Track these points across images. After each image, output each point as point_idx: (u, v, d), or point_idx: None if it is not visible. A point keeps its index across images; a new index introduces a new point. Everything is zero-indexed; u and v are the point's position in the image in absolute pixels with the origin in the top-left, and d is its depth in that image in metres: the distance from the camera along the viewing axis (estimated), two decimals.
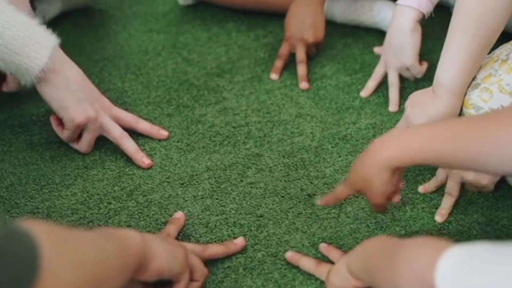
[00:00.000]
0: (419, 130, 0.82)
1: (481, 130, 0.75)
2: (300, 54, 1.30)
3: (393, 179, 0.84)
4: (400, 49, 1.19)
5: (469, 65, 1.04)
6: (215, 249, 0.94)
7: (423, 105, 1.07)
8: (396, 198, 0.90)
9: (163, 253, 0.80)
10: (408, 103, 1.10)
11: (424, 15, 1.17)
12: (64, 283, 0.60)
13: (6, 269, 0.55)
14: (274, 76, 1.30)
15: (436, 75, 1.07)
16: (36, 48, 1.03)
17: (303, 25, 1.30)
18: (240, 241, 0.97)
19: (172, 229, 0.96)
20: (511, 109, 0.78)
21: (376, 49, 1.37)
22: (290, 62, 1.32)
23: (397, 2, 1.18)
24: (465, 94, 1.06)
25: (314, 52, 1.34)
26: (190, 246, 0.91)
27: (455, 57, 1.04)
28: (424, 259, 0.66)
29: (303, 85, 1.28)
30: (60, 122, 1.11)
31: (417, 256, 0.67)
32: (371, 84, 1.27)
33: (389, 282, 0.70)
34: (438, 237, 0.70)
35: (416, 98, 1.10)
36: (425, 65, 1.22)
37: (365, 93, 1.26)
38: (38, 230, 0.60)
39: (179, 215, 1.00)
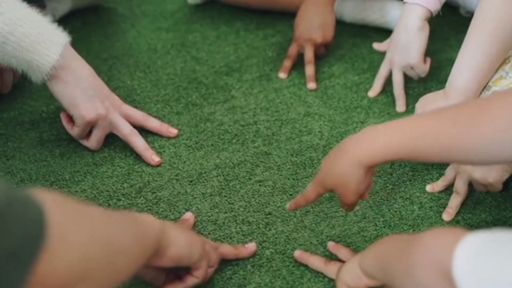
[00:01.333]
0: (398, 127, 0.81)
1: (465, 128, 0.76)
2: (308, 55, 1.31)
3: (367, 177, 0.84)
4: (406, 48, 1.19)
5: (485, 70, 1.05)
6: (226, 250, 0.94)
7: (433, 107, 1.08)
8: (365, 196, 0.90)
9: (181, 240, 0.81)
10: (419, 105, 1.10)
11: (432, 13, 1.17)
12: (73, 246, 0.59)
13: (12, 231, 0.54)
14: (282, 75, 1.31)
15: (450, 78, 1.08)
16: (47, 46, 1.03)
17: (311, 26, 1.31)
18: (251, 246, 0.97)
19: None
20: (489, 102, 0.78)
21: (376, 45, 1.36)
22: (299, 62, 1.32)
23: (404, 0, 1.18)
24: None
25: (323, 53, 1.35)
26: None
27: (471, 61, 1.05)
28: (441, 246, 0.66)
29: (311, 85, 1.28)
30: (70, 119, 1.12)
31: (433, 244, 0.67)
32: (377, 83, 1.27)
33: (404, 273, 0.70)
34: (453, 226, 0.70)
35: (427, 100, 1.10)
36: (428, 63, 1.22)
37: (372, 93, 1.27)
38: (44, 196, 0.59)
39: (188, 215, 1.01)
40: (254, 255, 0.96)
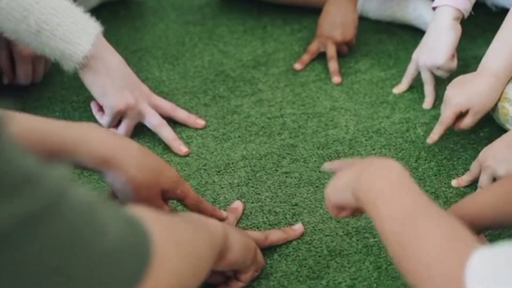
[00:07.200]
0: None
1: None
2: (330, 51, 1.32)
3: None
4: (432, 49, 1.18)
5: None
6: (275, 236, 0.96)
7: (463, 85, 1.09)
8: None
9: (239, 245, 0.82)
10: (450, 85, 1.11)
11: (463, 14, 1.17)
12: (170, 268, 0.63)
13: (127, 260, 0.58)
14: (298, 66, 1.33)
15: (483, 60, 1.10)
16: (80, 35, 1.05)
17: (333, 24, 1.32)
18: (298, 227, 0.99)
19: (231, 218, 0.99)
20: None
21: None
22: (325, 57, 1.33)
23: (434, 4, 1.18)
24: None
25: (346, 52, 1.35)
26: (253, 234, 0.93)
27: (504, 44, 1.07)
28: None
29: (335, 79, 1.29)
30: (100, 108, 1.13)
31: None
32: (405, 81, 1.26)
33: None
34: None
35: (459, 79, 1.12)
36: (455, 60, 1.20)
37: (397, 90, 1.27)
38: (147, 217, 0.62)
39: (237, 204, 1.03)
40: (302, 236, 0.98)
